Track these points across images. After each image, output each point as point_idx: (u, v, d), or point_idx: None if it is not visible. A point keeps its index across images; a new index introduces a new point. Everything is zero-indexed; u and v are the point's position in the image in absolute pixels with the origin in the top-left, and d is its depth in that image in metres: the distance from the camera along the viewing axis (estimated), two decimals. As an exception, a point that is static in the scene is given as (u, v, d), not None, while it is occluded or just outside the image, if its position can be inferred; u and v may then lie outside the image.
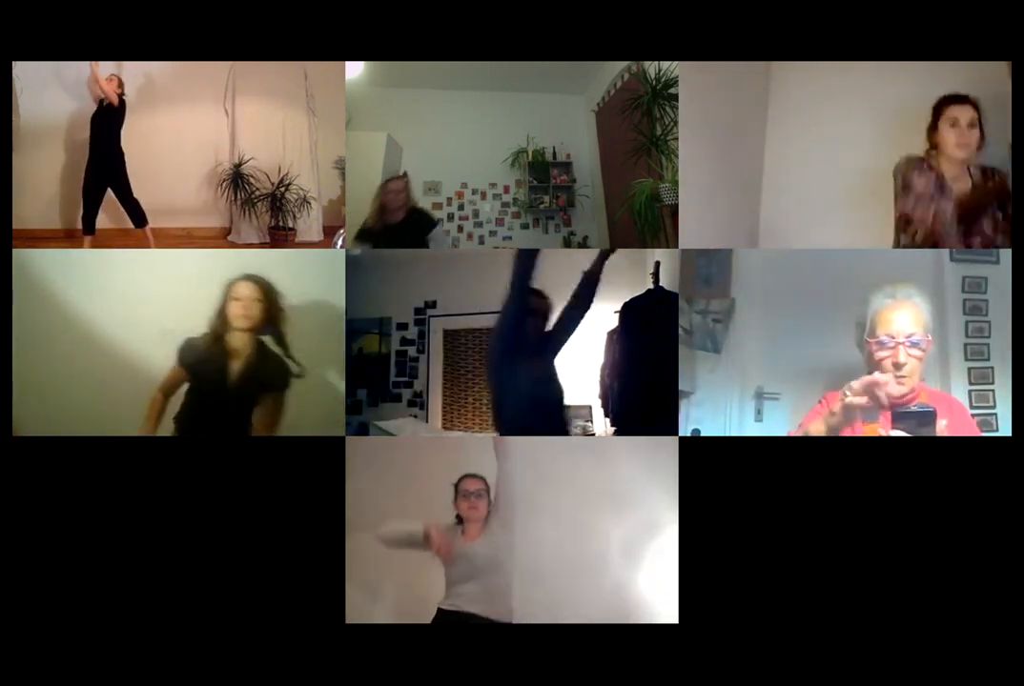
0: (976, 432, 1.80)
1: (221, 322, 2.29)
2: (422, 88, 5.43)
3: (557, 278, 2.63)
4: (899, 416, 1.68)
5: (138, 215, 3.92)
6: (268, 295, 2.31)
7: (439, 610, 2.22)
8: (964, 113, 2.36)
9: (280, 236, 4.32)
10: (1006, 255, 2.35)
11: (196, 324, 2.68)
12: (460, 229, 5.67)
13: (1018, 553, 1.99)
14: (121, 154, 3.82)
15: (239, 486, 2.10)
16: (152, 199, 3.97)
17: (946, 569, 2.01)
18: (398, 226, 3.24)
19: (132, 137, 3.92)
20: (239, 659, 2.02)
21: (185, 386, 2.33)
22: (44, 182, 4.01)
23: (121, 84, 3.82)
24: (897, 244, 2.48)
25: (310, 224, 4.51)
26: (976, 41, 2.15)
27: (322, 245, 4.45)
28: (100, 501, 2.06)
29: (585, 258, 2.68)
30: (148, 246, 3.91)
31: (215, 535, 2.07)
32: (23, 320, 2.29)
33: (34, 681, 1.98)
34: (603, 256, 2.64)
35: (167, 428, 2.31)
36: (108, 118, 3.79)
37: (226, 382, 2.27)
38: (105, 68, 3.78)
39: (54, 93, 3.91)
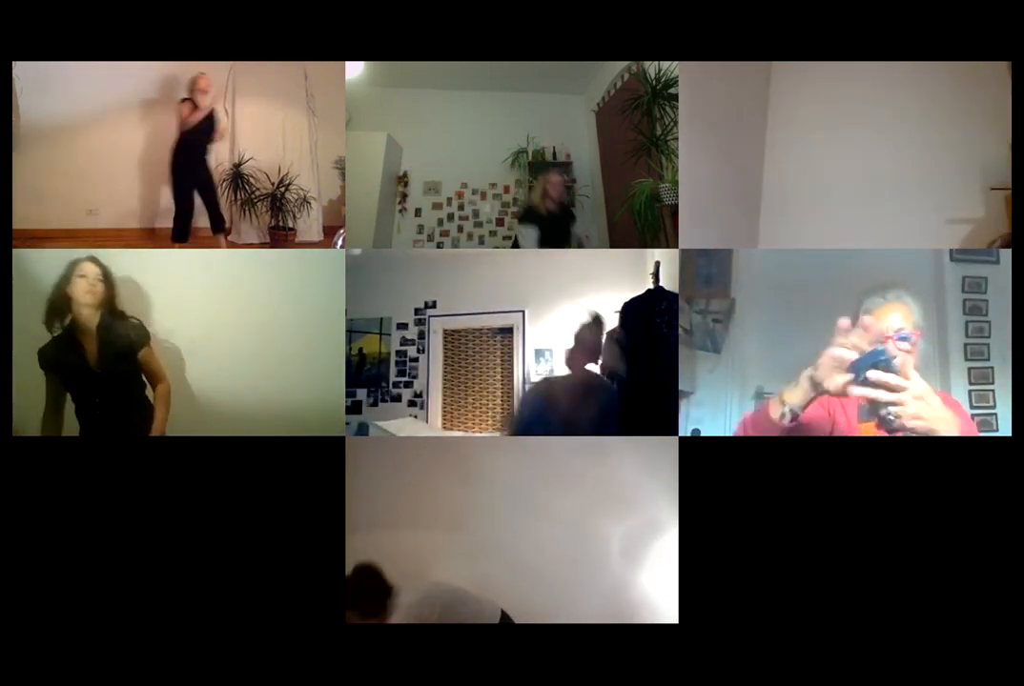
0: (974, 432, 1.80)
1: (62, 300, 2.32)
2: (422, 88, 5.43)
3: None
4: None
5: (219, 219, 3.91)
6: (107, 277, 2.37)
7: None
8: None
9: (280, 236, 4.32)
10: (1006, 255, 2.35)
11: (196, 324, 2.69)
12: (460, 229, 5.67)
13: (1018, 553, 1.99)
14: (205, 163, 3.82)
15: (239, 486, 2.10)
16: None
17: (946, 569, 2.01)
18: (554, 215, 3.49)
19: (132, 137, 3.92)
20: (239, 659, 2.02)
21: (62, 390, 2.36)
22: (44, 182, 4.01)
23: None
24: None
25: (310, 224, 4.51)
26: (976, 41, 2.15)
27: (322, 245, 4.45)
28: (99, 501, 2.06)
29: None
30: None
31: (215, 535, 2.07)
32: (23, 320, 2.29)
33: (34, 681, 1.98)
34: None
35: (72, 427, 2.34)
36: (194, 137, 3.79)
37: (89, 366, 2.30)
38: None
39: (54, 93, 3.91)
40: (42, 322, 2.34)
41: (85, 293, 2.32)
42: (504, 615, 2.21)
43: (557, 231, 3.56)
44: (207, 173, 3.84)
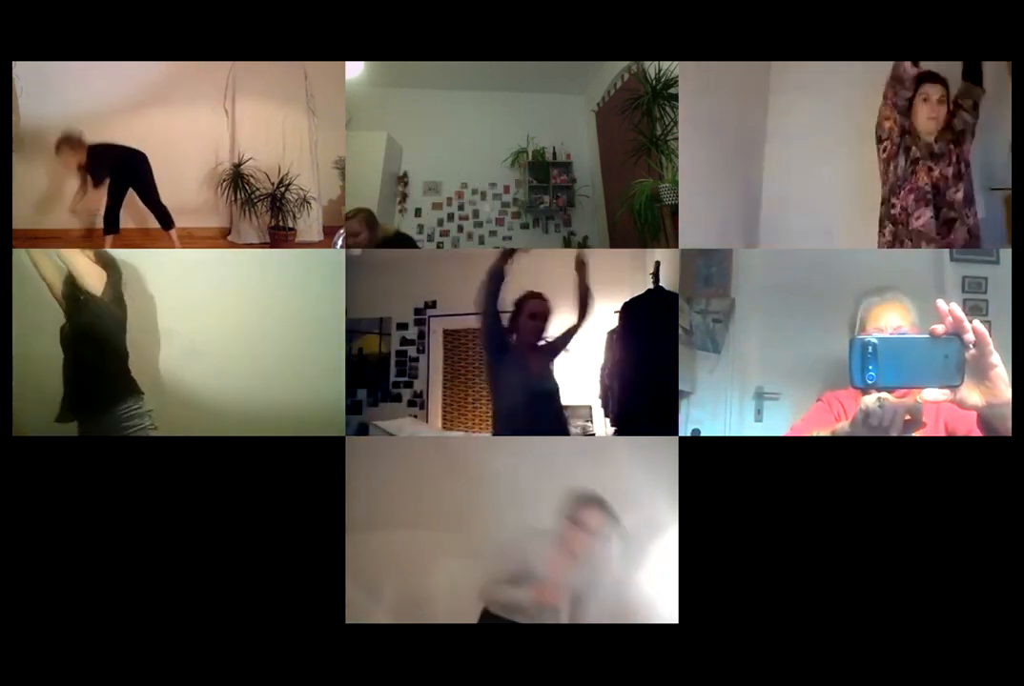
0: (976, 432, 1.80)
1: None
2: (422, 88, 5.44)
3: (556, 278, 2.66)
4: None
5: (164, 217, 3.89)
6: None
7: (485, 610, 2.31)
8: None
9: (280, 236, 4.32)
10: (1006, 255, 2.35)
11: (198, 324, 2.69)
12: (460, 229, 5.67)
13: (1018, 553, 1.99)
14: (142, 155, 3.80)
15: (239, 486, 2.09)
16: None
17: (946, 569, 2.00)
18: None
19: (132, 138, 3.92)
20: (239, 659, 2.02)
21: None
22: (45, 182, 4.01)
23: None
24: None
25: (310, 224, 4.51)
26: (976, 41, 2.15)
27: (322, 245, 4.45)
28: (100, 501, 2.06)
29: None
30: (173, 247, 3.88)
31: (215, 535, 2.07)
32: (23, 320, 2.29)
33: (34, 681, 1.98)
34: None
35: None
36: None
37: None
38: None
39: (54, 93, 3.91)
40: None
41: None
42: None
43: None
44: (141, 170, 3.81)
